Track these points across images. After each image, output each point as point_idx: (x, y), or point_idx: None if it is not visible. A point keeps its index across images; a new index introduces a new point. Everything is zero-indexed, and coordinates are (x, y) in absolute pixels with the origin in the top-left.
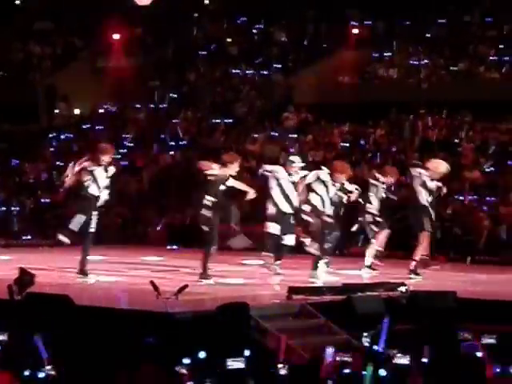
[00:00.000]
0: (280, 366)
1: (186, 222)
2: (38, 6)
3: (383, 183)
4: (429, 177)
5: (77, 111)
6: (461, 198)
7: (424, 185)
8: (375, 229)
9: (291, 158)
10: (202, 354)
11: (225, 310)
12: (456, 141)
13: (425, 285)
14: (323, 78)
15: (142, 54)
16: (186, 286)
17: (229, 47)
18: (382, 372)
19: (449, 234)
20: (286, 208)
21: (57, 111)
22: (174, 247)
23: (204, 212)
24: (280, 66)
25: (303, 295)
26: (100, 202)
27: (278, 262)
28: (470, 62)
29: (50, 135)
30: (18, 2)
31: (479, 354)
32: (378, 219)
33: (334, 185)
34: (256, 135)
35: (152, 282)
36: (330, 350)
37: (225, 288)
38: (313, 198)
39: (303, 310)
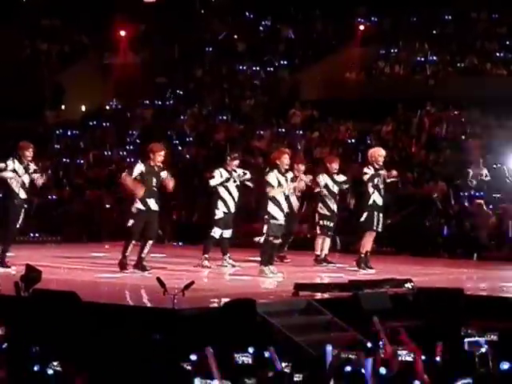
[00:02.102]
0: (284, 364)
1: (193, 219)
2: (45, 3)
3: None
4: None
5: (83, 108)
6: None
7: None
8: None
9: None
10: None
11: (231, 306)
12: (462, 137)
13: (432, 281)
14: (330, 75)
15: (148, 50)
16: (192, 283)
17: (236, 44)
18: (382, 370)
19: (455, 230)
20: None
21: (63, 108)
22: (180, 244)
23: None
24: (287, 62)
25: (309, 292)
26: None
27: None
28: (477, 58)
29: (57, 132)
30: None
31: (483, 351)
32: None
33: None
34: (262, 132)
35: (158, 279)
36: (329, 348)
37: (231, 284)
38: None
39: (310, 307)
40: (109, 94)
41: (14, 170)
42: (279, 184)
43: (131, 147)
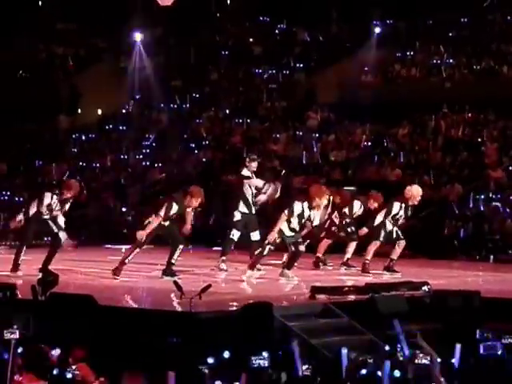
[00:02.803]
0: (304, 366)
1: (209, 223)
2: (60, 7)
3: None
4: None
5: (99, 112)
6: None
7: None
8: None
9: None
10: (226, 354)
11: (248, 309)
12: (479, 140)
13: (448, 284)
14: (346, 78)
15: (164, 54)
16: (209, 286)
17: (251, 47)
18: (397, 373)
19: (472, 233)
20: None
21: (79, 111)
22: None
23: None
24: (303, 65)
25: (326, 295)
26: None
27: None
28: (493, 60)
29: (73, 135)
30: (40, 3)
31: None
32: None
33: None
34: (279, 135)
35: (175, 282)
36: (345, 351)
37: (248, 288)
38: None
39: (326, 310)
40: (125, 98)
41: (49, 205)
42: (301, 214)
43: (147, 151)
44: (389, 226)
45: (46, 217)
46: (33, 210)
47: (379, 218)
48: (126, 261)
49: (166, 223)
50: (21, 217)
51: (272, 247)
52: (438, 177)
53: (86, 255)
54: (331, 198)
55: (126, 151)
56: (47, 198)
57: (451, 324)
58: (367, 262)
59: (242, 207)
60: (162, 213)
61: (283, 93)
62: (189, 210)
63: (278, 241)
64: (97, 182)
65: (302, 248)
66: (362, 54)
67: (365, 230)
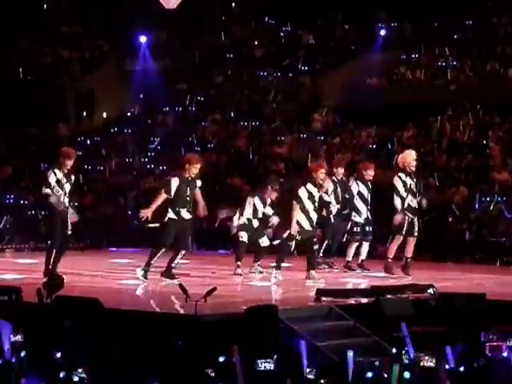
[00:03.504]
0: (308, 369)
1: (214, 225)
2: (65, 10)
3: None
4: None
5: (104, 115)
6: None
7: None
8: None
9: None
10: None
11: (253, 312)
12: (484, 142)
13: (454, 287)
14: (351, 80)
15: (169, 57)
16: (214, 289)
17: (256, 50)
18: (407, 374)
19: (478, 235)
20: None
21: (85, 115)
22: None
23: None
24: (307, 68)
25: (331, 297)
26: None
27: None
28: (498, 63)
29: (78, 139)
30: (45, 7)
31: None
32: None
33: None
34: (283, 138)
35: (181, 285)
36: (350, 354)
37: (253, 290)
38: None
39: (331, 313)
40: (130, 101)
41: (58, 181)
42: (310, 196)
43: (153, 154)
44: (413, 204)
45: (62, 197)
46: (47, 190)
47: (398, 202)
48: (152, 261)
49: (186, 216)
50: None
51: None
52: (443, 179)
53: (91, 258)
54: None
55: (132, 154)
56: (51, 176)
57: (457, 326)
58: (390, 260)
59: (248, 214)
60: (163, 189)
61: (288, 95)
62: (197, 188)
63: (298, 238)
64: (102, 185)
65: (316, 246)
66: (367, 56)
67: (399, 218)
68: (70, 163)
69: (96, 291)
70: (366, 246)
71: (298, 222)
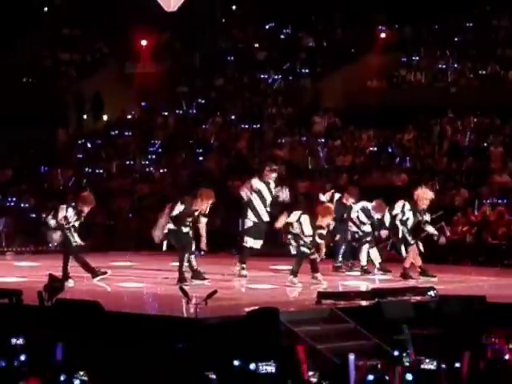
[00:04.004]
0: (311, 372)
1: (215, 226)
2: (65, 13)
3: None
4: None
5: (105, 117)
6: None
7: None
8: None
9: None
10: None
11: (254, 315)
12: (485, 145)
13: (454, 289)
14: (351, 83)
15: (169, 59)
16: (215, 292)
17: (257, 53)
18: (409, 376)
19: (478, 238)
20: None
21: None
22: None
23: None
24: (308, 71)
25: (332, 300)
26: None
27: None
28: (499, 65)
29: (79, 141)
30: (45, 9)
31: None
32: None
33: None
34: (284, 140)
35: (181, 288)
36: (352, 357)
37: (254, 293)
38: None
39: (332, 315)
40: (131, 104)
41: (65, 217)
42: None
43: (153, 156)
44: (406, 231)
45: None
46: (52, 221)
47: (387, 219)
48: (183, 268)
49: (185, 229)
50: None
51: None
52: (444, 182)
53: (92, 261)
54: None
55: (132, 157)
56: (62, 210)
57: (457, 329)
58: (406, 267)
59: (251, 216)
60: (167, 210)
61: (289, 98)
62: (201, 223)
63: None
64: (102, 188)
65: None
66: (368, 59)
67: (384, 233)
68: (86, 210)
69: (96, 294)
70: (375, 250)
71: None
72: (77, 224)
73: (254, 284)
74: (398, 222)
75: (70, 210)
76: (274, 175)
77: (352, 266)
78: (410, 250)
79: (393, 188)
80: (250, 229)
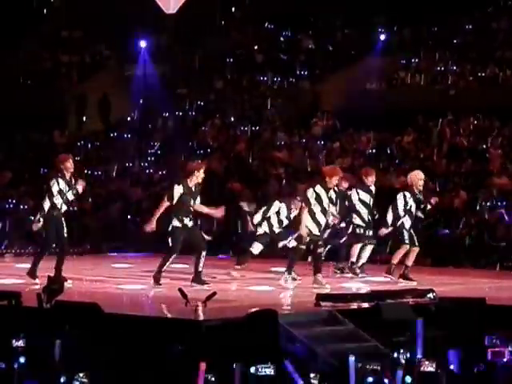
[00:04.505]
0: (312, 375)
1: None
2: (65, 15)
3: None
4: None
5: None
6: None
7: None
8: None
9: None
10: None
11: (253, 317)
12: (484, 147)
13: (453, 291)
14: (351, 85)
15: (169, 62)
16: (214, 294)
17: (256, 55)
18: (408, 379)
19: (477, 240)
20: None
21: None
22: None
23: None
24: (307, 73)
25: (331, 302)
26: None
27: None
28: (498, 67)
29: (78, 143)
30: (45, 11)
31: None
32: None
33: None
34: (283, 142)
35: (181, 290)
36: (352, 359)
37: (253, 295)
38: None
39: (331, 317)
40: (130, 106)
41: (60, 191)
42: (318, 198)
43: (153, 158)
44: (407, 224)
45: (59, 205)
46: (47, 204)
47: (390, 217)
48: (163, 269)
49: (190, 224)
50: (38, 216)
51: (303, 246)
52: (443, 184)
53: (91, 263)
54: None
55: (132, 159)
56: (54, 185)
57: (456, 331)
58: (393, 265)
59: (265, 226)
60: (166, 196)
61: (288, 100)
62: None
63: (307, 239)
64: (102, 189)
65: (321, 250)
66: (367, 61)
67: (384, 231)
68: (69, 165)
69: (95, 296)
70: (368, 250)
71: (307, 228)
72: (70, 197)
73: (254, 286)
74: (401, 213)
75: (61, 180)
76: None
77: (343, 269)
78: (403, 247)
79: (392, 190)
80: (261, 236)
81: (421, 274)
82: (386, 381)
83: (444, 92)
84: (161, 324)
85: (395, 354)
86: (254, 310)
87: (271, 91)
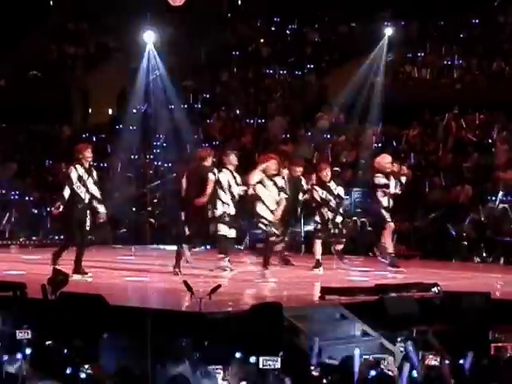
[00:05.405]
0: (312, 367)
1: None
2: (71, 7)
3: None
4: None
5: (110, 112)
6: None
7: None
8: None
9: None
10: (237, 355)
11: (258, 310)
12: (489, 141)
13: (458, 286)
14: (356, 79)
15: (175, 54)
16: (219, 286)
17: (262, 48)
18: (414, 373)
19: (482, 234)
20: None
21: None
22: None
23: None
24: (313, 66)
25: (336, 295)
26: None
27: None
28: (505, 62)
29: (84, 136)
30: (51, 3)
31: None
32: None
33: None
34: (289, 135)
35: (185, 282)
36: (356, 352)
37: (258, 288)
38: None
39: (336, 311)
40: (136, 98)
41: (79, 177)
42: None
43: (158, 151)
44: (385, 203)
45: (83, 195)
46: (67, 192)
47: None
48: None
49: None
50: (58, 203)
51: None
52: (449, 178)
53: (96, 255)
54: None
55: (137, 151)
56: (73, 172)
57: (461, 325)
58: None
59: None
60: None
61: (294, 93)
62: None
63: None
64: (107, 181)
65: (275, 240)
66: (373, 54)
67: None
68: (88, 154)
69: (100, 288)
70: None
71: (259, 216)
72: (90, 185)
73: (258, 279)
74: (380, 198)
75: (79, 166)
76: (232, 157)
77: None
78: (388, 226)
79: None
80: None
81: (425, 268)
82: (389, 374)
83: (450, 86)
84: (165, 316)
85: (399, 348)
86: (258, 302)
87: (277, 84)
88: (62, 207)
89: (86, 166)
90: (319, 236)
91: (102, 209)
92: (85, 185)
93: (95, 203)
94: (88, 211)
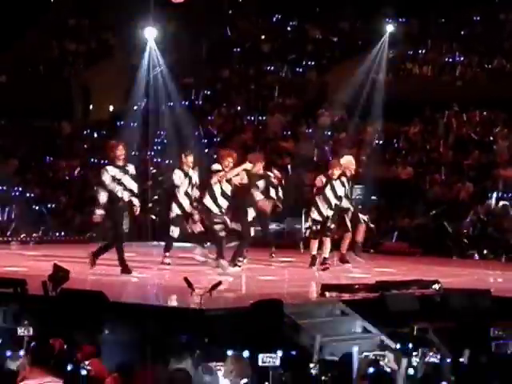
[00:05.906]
0: (312, 364)
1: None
2: (72, 3)
3: None
4: None
5: (111, 108)
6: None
7: None
8: None
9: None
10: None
11: (258, 306)
12: (490, 138)
13: (459, 282)
14: (357, 76)
15: (176, 51)
16: (219, 283)
17: (263, 44)
18: (411, 371)
19: (483, 231)
20: None
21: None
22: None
23: None
24: (314, 63)
25: (336, 292)
26: None
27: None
28: (505, 59)
29: (85, 132)
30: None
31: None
32: None
33: None
34: (290, 132)
35: (186, 279)
36: (355, 349)
37: (258, 285)
38: None
39: (336, 308)
40: (136, 95)
41: (113, 177)
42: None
43: (159, 147)
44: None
45: (120, 193)
46: (102, 196)
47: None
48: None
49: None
50: (101, 211)
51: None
52: (449, 175)
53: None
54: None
55: (138, 148)
56: (104, 175)
57: (461, 322)
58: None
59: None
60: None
61: (295, 90)
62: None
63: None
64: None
65: (223, 234)
66: (374, 51)
67: None
68: (120, 152)
69: (101, 284)
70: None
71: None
72: (127, 182)
73: (259, 275)
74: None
75: (111, 167)
76: (191, 159)
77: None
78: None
79: (398, 181)
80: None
81: (426, 265)
82: (388, 371)
83: (451, 83)
84: (165, 313)
85: (399, 345)
86: (259, 299)
87: (278, 81)
88: (102, 213)
89: (120, 164)
90: (315, 237)
91: (136, 201)
92: (120, 183)
93: (132, 198)
94: (126, 212)
